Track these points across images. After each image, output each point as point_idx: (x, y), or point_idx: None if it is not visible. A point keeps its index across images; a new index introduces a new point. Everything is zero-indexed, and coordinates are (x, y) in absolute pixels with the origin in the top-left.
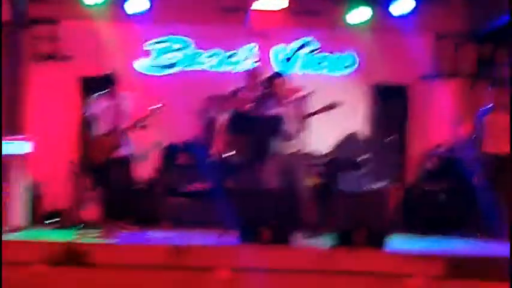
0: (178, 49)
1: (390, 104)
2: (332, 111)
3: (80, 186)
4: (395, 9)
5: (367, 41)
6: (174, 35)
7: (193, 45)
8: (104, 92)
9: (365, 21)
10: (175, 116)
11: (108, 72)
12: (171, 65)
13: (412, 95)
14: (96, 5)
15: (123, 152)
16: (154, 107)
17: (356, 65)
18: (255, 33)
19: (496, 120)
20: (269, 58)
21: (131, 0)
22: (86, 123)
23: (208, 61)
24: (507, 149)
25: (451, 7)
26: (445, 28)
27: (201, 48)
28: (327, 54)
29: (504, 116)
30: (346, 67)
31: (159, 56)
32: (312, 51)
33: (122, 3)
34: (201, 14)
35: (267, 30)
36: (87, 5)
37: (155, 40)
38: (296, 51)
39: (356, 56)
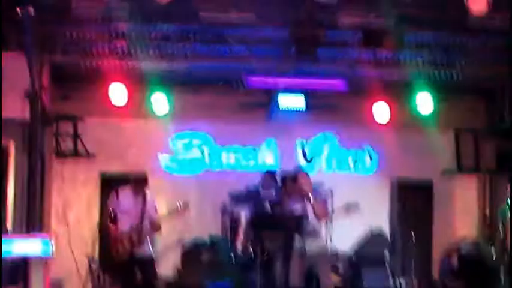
0: (199, 145)
1: (413, 199)
2: (352, 212)
3: (99, 284)
4: (417, 106)
5: (388, 138)
6: (194, 131)
7: (213, 142)
8: (127, 188)
9: (386, 118)
10: (198, 213)
11: (131, 169)
12: (194, 164)
13: (435, 191)
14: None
15: (146, 249)
16: (178, 205)
17: (378, 162)
18: (276, 129)
19: None
20: (290, 154)
21: (154, 101)
22: (109, 219)
23: (229, 158)
24: None
25: (471, 103)
26: (465, 124)
27: (221, 145)
28: (348, 150)
29: None
30: (367, 163)
31: (181, 153)
32: (333, 147)
33: (144, 102)
34: (221, 111)
35: (288, 126)
36: (113, 105)
37: (177, 137)
38: (317, 147)
39: (378, 152)
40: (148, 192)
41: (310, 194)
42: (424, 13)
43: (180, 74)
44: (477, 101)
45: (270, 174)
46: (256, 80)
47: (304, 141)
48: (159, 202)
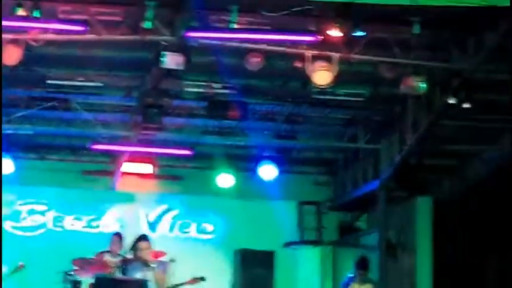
0: (41, 212)
1: (255, 270)
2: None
3: None
4: (261, 177)
5: (232, 207)
6: (35, 199)
7: (55, 209)
8: None
9: (230, 188)
10: (39, 276)
11: None
12: (36, 227)
13: (277, 261)
14: None
15: None
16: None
17: (221, 231)
18: (121, 197)
19: None
20: (135, 221)
21: None
22: None
23: (72, 224)
24: None
25: (314, 176)
26: (308, 196)
27: (64, 212)
28: (192, 218)
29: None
30: (210, 232)
31: (24, 218)
32: (177, 215)
33: None
34: (60, 177)
35: (133, 193)
36: None
37: (18, 203)
38: (161, 215)
39: (222, 221)
40: None
41: (151, 261)
42: (267, 84)
43: (25, 138)
44: (320, 173)
45: (115, 240)
46: (102, 147)
47: (148, 208)
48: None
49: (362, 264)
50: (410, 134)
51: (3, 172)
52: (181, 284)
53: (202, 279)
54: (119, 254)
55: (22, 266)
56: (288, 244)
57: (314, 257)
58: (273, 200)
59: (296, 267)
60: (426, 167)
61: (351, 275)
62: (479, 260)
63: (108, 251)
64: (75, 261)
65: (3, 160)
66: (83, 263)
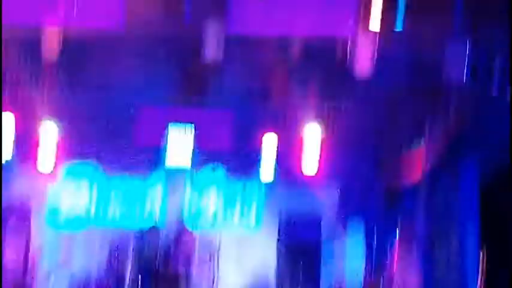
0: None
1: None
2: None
3: None
4: None
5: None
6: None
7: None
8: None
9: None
10: (82, 269)
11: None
12: (78, 220)
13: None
14: None
15: None
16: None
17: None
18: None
19: None
20: (177, 210)
21: None
22: None
23: (115, 212)
24: None
25: None
26: None
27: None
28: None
29: None
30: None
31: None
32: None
33: None
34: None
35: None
36: None
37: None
38: (206, 202)
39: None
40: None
41: (194, 252)
42: None
43: None
44: None
45: (156, 231)
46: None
47: (192, 197)
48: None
49: None
50: None
51: None
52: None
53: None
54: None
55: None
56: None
57: None
58: None
59: None
60: None
61: None
62: None
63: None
64: (117, 252)
65: None
66: (125, 253)
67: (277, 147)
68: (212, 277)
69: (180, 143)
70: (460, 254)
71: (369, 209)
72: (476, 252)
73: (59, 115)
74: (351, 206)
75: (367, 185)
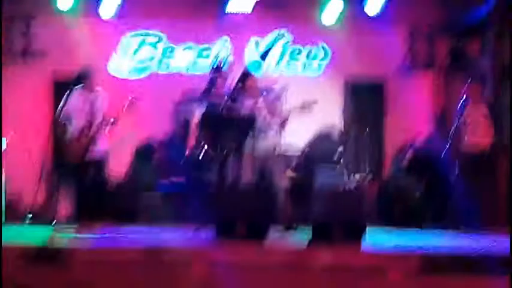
0: (152, 43)
1: (365, 98)
2: (307, 110)
3: (52, 185)
4: (369, 3)
5: (340, 36)
6: (147, 29)
7: (166, 40)
8: (79, 87)
9: (338, 16)
10: (149, 113)
11: (82, 68)
12: (145, 66)
13: (387, 89)
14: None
15: (97, 149)
16: (129, 101)
17: (330, 60)
18: (229, 26)
19: (472, 112)
20: (243, 51)
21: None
22: (61, 119)
23: (182, 56)
24: (487, 140)
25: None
26: (419, 21)
27: (174, 42)
28: (300, 47)
29: (481, 108)
30: (320, 61)
31: (133, 52)
32: (286, 44)
33: (94, 3)
34: (172, 8)
35: (241, 23)
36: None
37: (129, 35)
38: (270, 44)
39: (330, 50)
40: (99, 90)
41: (261, 93)
42: None
43: None
44: None
45: (221, 73)
46: None
47: (258, 38)
48: (110, 102)
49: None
50: None
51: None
52: (294, 109)
53: (314, 102)
54: (226, 87)
55: (134, 100)
56: (398, 71)
57: (425, 83)
58: (382, 26)
59: (407, 93)
60: None
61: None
62: None
63: (214, 84)
64: (183, 95)
65: None
66: (192, 96)
67: None
68: (280, 115)
69: None
70: None
71: None
72: None
73: None
74: None
75: None
